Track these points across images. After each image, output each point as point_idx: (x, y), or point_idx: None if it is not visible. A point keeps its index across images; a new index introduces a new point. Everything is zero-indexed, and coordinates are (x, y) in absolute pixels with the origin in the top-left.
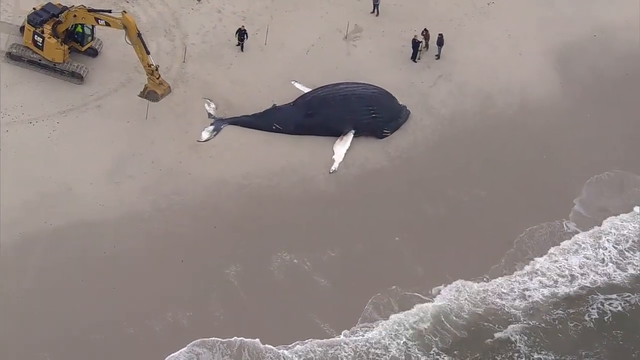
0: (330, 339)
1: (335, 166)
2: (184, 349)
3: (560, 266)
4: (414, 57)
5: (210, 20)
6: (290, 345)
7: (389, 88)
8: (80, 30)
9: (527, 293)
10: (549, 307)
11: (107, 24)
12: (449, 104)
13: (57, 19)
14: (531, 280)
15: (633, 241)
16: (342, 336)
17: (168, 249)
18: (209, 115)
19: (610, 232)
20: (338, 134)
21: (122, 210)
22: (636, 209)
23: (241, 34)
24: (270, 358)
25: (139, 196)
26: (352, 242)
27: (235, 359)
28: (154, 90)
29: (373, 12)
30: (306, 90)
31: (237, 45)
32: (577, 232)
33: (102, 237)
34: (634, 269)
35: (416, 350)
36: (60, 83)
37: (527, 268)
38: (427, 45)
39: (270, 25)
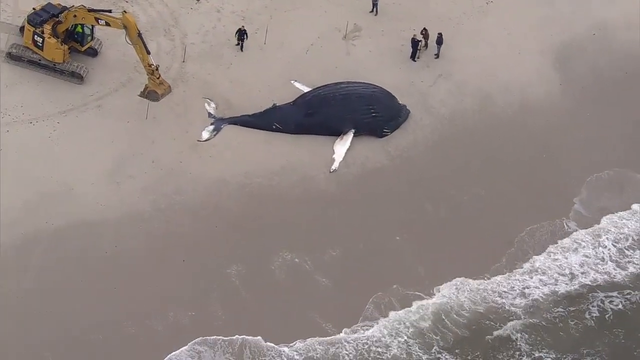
0: (331, 337)
1: (335, 165)
2: (185, 347)
3: (560, 265)
4: (413, 56)
5: (210, 19)
6: (291, 344)
7: (388, 87)
8: (80, 30)
9: (527, 291)
10: (549, 305)
11: (108, 24)
12: (448, 103)
13: (57, 19)
14: (531, 278)
15: (633, 239)
16: (342, 333)
17: (169, 249)
18: (209, 114)
19: (610, 231)
20: (338, 133)
21: (123, 210)
22: (634, 206)
23: (241, 34)
24: (272, 356)
25: (139, 196)
26: (353, 242)
27: (236, 357)
28: (154, 90)
29: (372, 11)
30: (306, 89)
31: (237, 45)
32: (577, 231)
33: (103, 237)
34: (635, 267)
35: (417, 348)
36: (60, 83)
37: (528, 267)
38: (426, 45)
39: (269, 25)
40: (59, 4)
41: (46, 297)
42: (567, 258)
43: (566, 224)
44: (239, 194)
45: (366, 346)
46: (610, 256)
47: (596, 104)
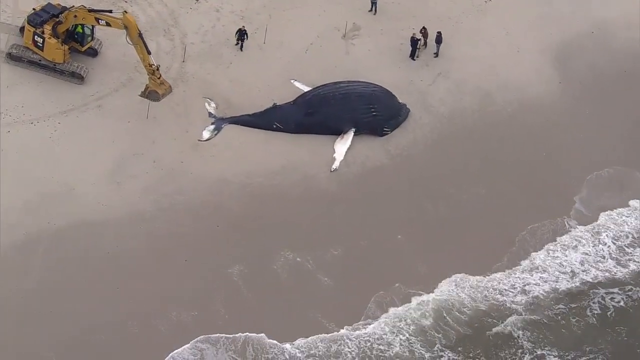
0: (332, 334)
1: (336, 165)
2: (187, 345)
3: (561, 262)
4: (412, 55)
5: (209, 19)
6: (294, 343)
7: (388, 86)
8: (81, 31)
9: (528, 288)
10: (550, 302)
11: (108, 24)
12: (448, 101)
13: (57, 19)
14: (532, 276)
15: (633, 237)
16: (343, 330)
17: (171, 249)
18: (210, 114)
19: (610, 228)
20: (338, 132)
21: (124, 210)
22: (633, 203)
23: (241, 34)
24: (275, 353)
25: (141, 196)
26: (354, 241)
27: (239, 354)
28: (155, 90)
29: (371, 10)
30: (306, 89)
31: (236, 44)
32: (580, 231)
33: (104, 237)
34: (635, 265)
35: (419, 346)
36: (60, 83)
37: (529, 264)
38: (425, 44)
39: (268, 24)
40: (59, 4)
41: (48, 297)
42: (567, 256)
43: (567, 222)
44: (240, 193)
45: (368, 344)
46: (610, 254)
47: (595, 102)
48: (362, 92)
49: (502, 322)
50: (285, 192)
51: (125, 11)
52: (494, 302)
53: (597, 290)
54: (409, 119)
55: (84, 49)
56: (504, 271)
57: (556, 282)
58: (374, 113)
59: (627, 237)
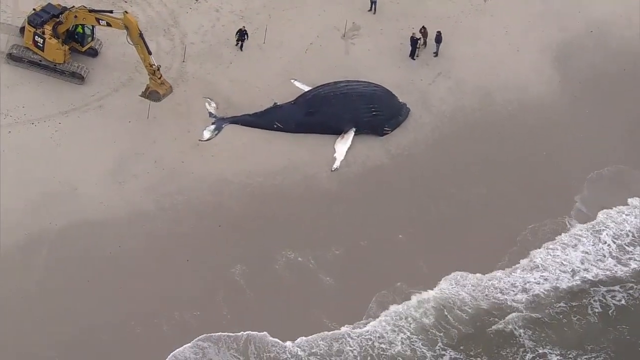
0: (334, 332)
1: (337, 164)
2: (189, 344)
3: (561, 261)
4: (412, 55)
5: (209, 19)
6: (295, 342)
7: (388, 86)
8: (81, 31)
9: (529, 287)
10: (551, 300)
11: (109, 25)
12: (448, 101)
13: (58, 20)
14: (533, 274)
15: (633, 236)
16: (344, 327)
17: (172, 249)
18: (210, 114)
19: (610, 227)
20: (339, 132)
21: (126, 210)
22: (632, 201)
23: (241, 34)
24: (276, 352)
25: (142, 196)
26: (355, 240)
27: (241, 353)
28: (155, 90)
29: (370, 10)
30: (306, 88)
31: (236, 45)
32: (581, 229)
33: (107, 237)
34: (636, 263)
35: (420, 344)
36: (61, 83)
37: (530, 263)
38: (425, 43)
39: (268, 24)
40: (59, 5)
41: (50, 297)
42: (568, 254)
43: (568, 222)
44: (241, 193)
45: (370, 342)
46: (610, 252)
47: (595, 101)
48: (362, 92)
49: (504, 321)
50: (286, 191)
51: (126, 11)
52: (495, 301)
53: (597, 289)
54: (409, 119)
55: (84, 49)
56: (505, 270)
57: (557, 280)
58: (375, 113)
59: (628, 235)
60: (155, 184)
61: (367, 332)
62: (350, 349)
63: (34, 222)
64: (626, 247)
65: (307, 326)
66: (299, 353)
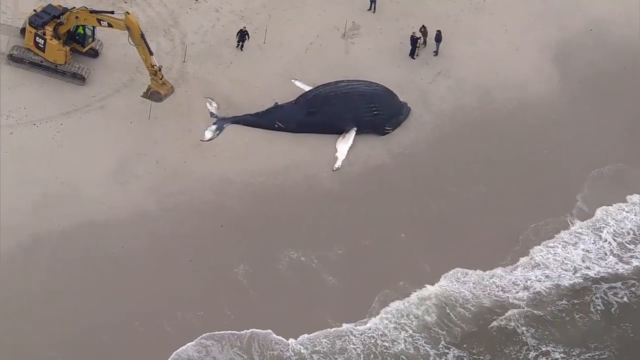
0: (335, 329)
1: (338, 164)
2: (192, 343)
3: (563, 259)
4: (412, 54)
5: (209, 19)
6: (298, 339)
7: (388, 85)
8: (82, 32)
9: (531, 285)
10: (553, 298)
11: (110, 26)
12: (448, 100)
13: (59, 21)
14: (535, 273)
15: (634, 234)
16: (345, 324)
17: (176, 249)
18: (211, 114)
19: (611, 224)
20: (340, 131)
21: (129, 211)
22: (631, 198)
23: (242, 34)
24: (280, 350)
25: (144, 196)
26: (358, 239)
27: (244, 351)
28: (157, 91)
29: (370, 9)
30: (306, 88)
31: (237, 47)
32: (581, 227)
33: (109, 238)
34: (637, 261)
35: (423, 343)
36: (62, 84)
37: (532, 261)
38: (425, 42)
39: (268, 24)
40: (60, 6)
41: (53, 298)
42: (569, 252)
43: (570, 220)
44: (243, 193)
45: (373, 340)
46: (611, 250)
47: (595, 99)
48: (363, 91)
49: (506, 319)
50: (288, 191)
51: (128, 12)
52: (497, 299)
53: (599, 286)
54: (410, 118)
55: (85, 49)
56: (507, 268)
57: (558, 278)
58: (376, 112)
59: (629, 233)
60: (158, 184)
61: (370, 329)
62: (354, 346)
63: (36, 223)
64: (627, 245)
65: (310, 326)
66: (302, 351)
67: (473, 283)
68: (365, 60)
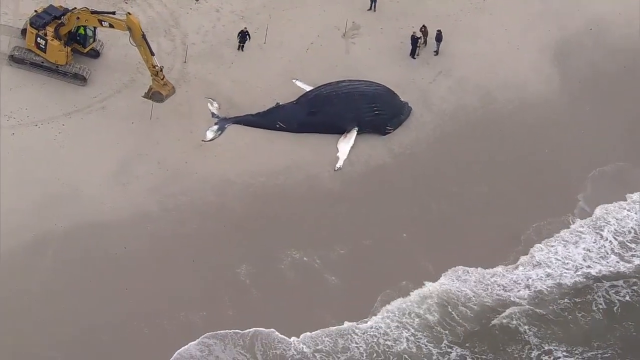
0: (337, 327)
1: (340, 164)
2: (194, 342)
3: (564, 258)
4: (412, 54)
5: (209, 19)
6: (300, 337)
7: (389, 85)
8: (83, 32)
9: (533, 284)
10: (555, 297)
11: (111, 26)
12: (449, 99)
13: (60, 21)
14: (537, 272)
15: (635, 232)
16: (347, 323)
17: (178, 249)
18: (213, 114)
19: (612, 223)
20: (341, 131)
21: (130, 211)
22: (630, 196)
23: (243, 35)
24: (283, 348)
25: (146, 197)
26: (360, 239)
27: (247, 350)
28: (158, 91)
29: (370, 8)
30: (307, 88)
31: (239, 49)
32: (582, 226)
33: (111, 238)
34: (639, 260)
35: (426, 341)
36: (63, 85)
37: (534, 260)
38: (425, 42)
39: (268, 24)
40: (61, 6)
41: (57, 298)
42: (570, 251)
43: (572, 220)
44: (244, 193)
45: (375, 339)
46: (612, 249)
47: (595, 99)
48: (364, 91)
49: (508, 318)
50: (289, 191)
51: (129, 13)
52: (499, 297)
53: (601, 284)
54: (411, 118)
55: (86, 50)
56: (509, 267)
57: (560, 277)
58: (377, 112)
59: (630, 232)
60: (159, 185)
61: (372, 328)
62: (356, 345)
63: (38, 223)
64: (628, 244)
65: (313, 325)
66: (305, 350)
67: (474, 281)
68: (365, 60)
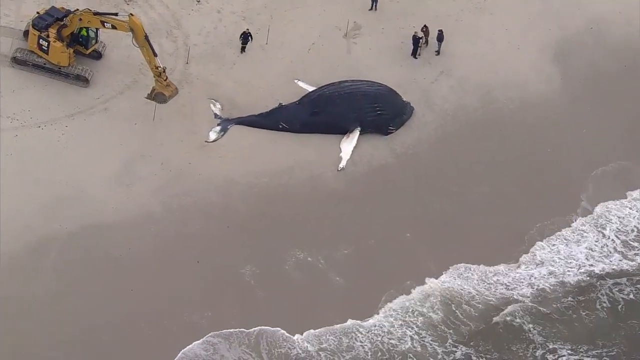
0: (342, 324)
1: (343, 164)
2: (199, 341)
3: (567, 256)
4: (414, 54)
5: (211, 20)
6: (304, 335)
7: (391, 85)
8: (85, 34)
9: (536, 282)
10: (559, 295)
11: (114, 27)
12: (450, 99)
13: (62, 23)
14: (540, 270)
15: (638, 231)
16: (349, 321)
17: (182, 250)
18: (215, 115)
19: (614, 222)
20: (344, 131)
21: (134, 212)
22: (631, 194)
23: (245, 36)
24: (288, 347)
25: (150, 198)
26: (364, 239)
27: (252, 348)
28: (161, 92)
29: (371, 8)
30: (310, 88)
31: (242, 52)
32: (584, 225)
33: (115, 239)
34: None
35: (430, 340)
36: (66, 86)
37: (536, 259)
38: (426, 42)
39: (270, 25)
40: (63, 8)
41: (62, 300)
42: (573, 250)
43: (575, 219)
44: (248, 193)
45: (379, 337)
46: (615, 248)
47: (595, 98)
48: (367, 91)
49: (512, 316)
50: (293, 191)
51: (132, 14)
52: (502, 296)
53: (604, 282)
54: (413, 117)
55: (88, 51)
56: (512, 266)
57: (563, 275)
58: (379, 112)
59: (633, 231)
60: (163, 186)
61: (375, 326)
62: (361, 344)
63: (42, 225)
64: (631, 243)
65: (318, 326)
66: (309, 348)
67: (477, 280)
68: (367, 60)
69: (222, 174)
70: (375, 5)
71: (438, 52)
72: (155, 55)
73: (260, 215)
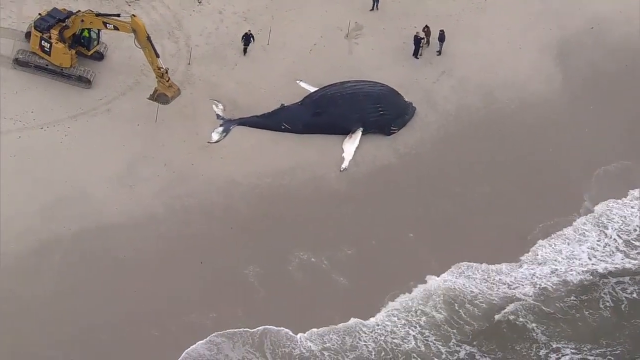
0: (345, 324)
1: (345, 164)
2: (202, 341)
3: (569, 255)
4: (415, 54)
5: (212, 21)
6: (306, 334)
7: (392, 85)
8: (87, 35)
9: (539, 282)
10: (562, 294)
11: (116, 28)
12: (452, 99)
13: (64, 24)
14: (542, 269)
15: None
16: (352, 319)
17: (185, 251)
18: (218, 116)
19: (616, 221)
20: (346, 132)
21: (137, 213)
22: (632, 192)
23: (247, 38)
24: (292, 347)
25: (153, 199)
26: (367, 239)
27: (256, 348)
28: (164, 93)
29: (372, 9)
30: (311, 89)
31: (244, 54)
32: (585, 224)
33: (119, 240)
34: None
35: (434, 340)
36: (68, 88)
37: (539, 259)
38: (428, 42)
39: (271, 25)
40: (65, 9)
41: (65, 301)
42: (575, 249)
43: (577, 219)
44: (251, 194)
45: (382, 337)
46: (617, 247)
47: (595, 98)
48: (369, 92)
49: (515, 315)
50: (295, 192)
51: (134, 15)
52: (505, 295)
53: (607, 281)
54: (415, 118)
55: (90, 53)
56: (514, 265)
57: (565, 274)
58: (382, 112)
59: (635, 230)
60: (166, 187)
61: (378, 326)
62: (364, 343)
63: (46, 226)
64: (633, 242)
65: (322, 325)
66: (313, 348)
67: (479, 279)
68: (369, 61)
69: (224, 175)
70: (377, 6)
71: (439, 52)
72: (157, 56)
73: (263, 215)
